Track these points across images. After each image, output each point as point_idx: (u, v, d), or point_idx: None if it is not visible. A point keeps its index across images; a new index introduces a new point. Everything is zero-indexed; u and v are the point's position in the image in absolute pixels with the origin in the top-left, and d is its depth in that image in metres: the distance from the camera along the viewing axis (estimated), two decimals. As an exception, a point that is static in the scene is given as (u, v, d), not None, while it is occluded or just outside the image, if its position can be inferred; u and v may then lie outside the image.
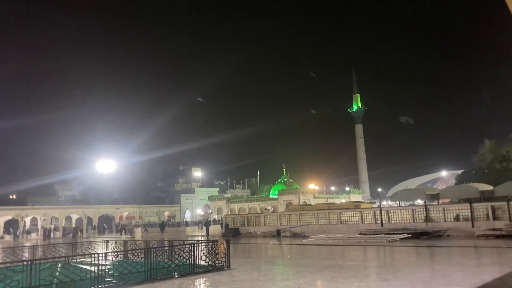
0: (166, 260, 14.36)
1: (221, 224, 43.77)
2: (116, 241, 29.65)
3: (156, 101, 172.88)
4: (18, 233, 61.42)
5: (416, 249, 21.84)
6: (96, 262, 11.02)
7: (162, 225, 58.97)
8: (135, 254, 15.87)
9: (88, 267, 11.75)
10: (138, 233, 41.92)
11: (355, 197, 79.44)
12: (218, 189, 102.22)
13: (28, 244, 39.74)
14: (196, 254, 14.59)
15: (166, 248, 14.75)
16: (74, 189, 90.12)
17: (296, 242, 28.78)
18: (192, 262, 14.26)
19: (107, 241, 26.23)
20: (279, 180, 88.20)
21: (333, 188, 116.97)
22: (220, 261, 14.87)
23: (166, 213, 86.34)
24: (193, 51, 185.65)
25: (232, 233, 39.11)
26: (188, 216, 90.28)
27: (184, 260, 14.34)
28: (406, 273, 12.78)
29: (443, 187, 61.32)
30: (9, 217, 65.80)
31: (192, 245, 14.62)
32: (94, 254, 11.59)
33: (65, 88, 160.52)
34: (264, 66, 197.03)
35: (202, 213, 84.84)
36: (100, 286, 10.74)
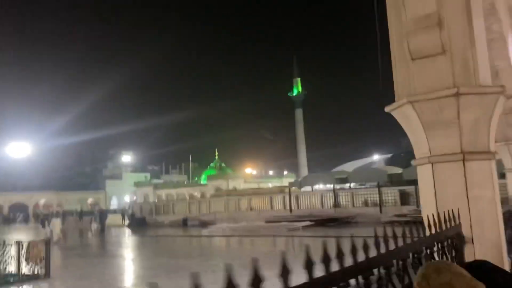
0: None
1: (123, 214, 40.00)
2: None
3: (81, 81, 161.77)
4: None
5: (307, 240, 19.83)
6: None
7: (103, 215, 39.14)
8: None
9: None
10: (57, 226, 28.67)
11: (289, 181, 78.26)
12: (149, 174, 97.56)
13: None
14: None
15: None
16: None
17: (191, 233, 26.21)
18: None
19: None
20: (211, 164, 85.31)
21: (271, 172, 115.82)
22: (38, 268, 11.76)
23: (90, 200, 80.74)
24: (125, 30, 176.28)
25: (137, 224, 35.67)
26: (115, 203, 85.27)
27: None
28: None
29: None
30: None
31: (-9, 250, 11.38)
32: None
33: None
34: (199, 49, 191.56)
35: (128, 200, 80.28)
36: None
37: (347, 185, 41.16)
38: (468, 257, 2.59)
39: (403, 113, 2.90)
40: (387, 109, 3.06)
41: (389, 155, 72.23)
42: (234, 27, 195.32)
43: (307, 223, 24.86)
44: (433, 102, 2.71)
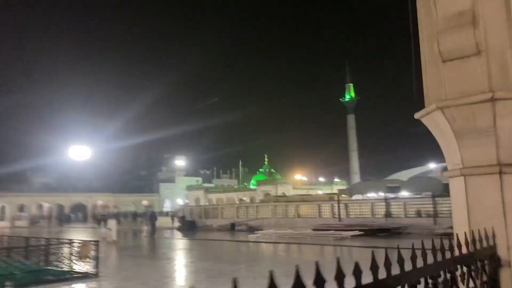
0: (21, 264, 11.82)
1: (172, 216, 41.01)
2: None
3: (136, 85, 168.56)
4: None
5: (356, 250, 19.24)
6: None
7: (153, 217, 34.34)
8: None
9: None
10: (113, 226, 27.64)
11: (338, 189, 76.75)
12: (201, 178, 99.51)
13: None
14: (54, 257, 12.03)
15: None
16: (47, 176, 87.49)
17: (239, 238, 26.26)
18: (46, 267, 11.69)
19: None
20: (260, 169, 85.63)
21: (322, 179, 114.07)
22: (90, 267, 12.29)
23: (144, 202, 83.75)
24: (176, 34, 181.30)
25: (187, 226, 36.50)
26: (168, 206, 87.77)
27: (40, 263, 11.79)
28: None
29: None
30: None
31: (47, 247, 12.03)
32: None
33: (35, 70, 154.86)
34: (252, 53, 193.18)
35: (180, 203, 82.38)
36: None
37: (401, 194, 39.59)
38: (505, 283, 2.30)
39: (432, 120, 2.65)
40: (417, 115, 2.82)
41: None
42: (287, 30, 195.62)
43: (356, 232, 24.14)
44: (465, 108, 2.44)
